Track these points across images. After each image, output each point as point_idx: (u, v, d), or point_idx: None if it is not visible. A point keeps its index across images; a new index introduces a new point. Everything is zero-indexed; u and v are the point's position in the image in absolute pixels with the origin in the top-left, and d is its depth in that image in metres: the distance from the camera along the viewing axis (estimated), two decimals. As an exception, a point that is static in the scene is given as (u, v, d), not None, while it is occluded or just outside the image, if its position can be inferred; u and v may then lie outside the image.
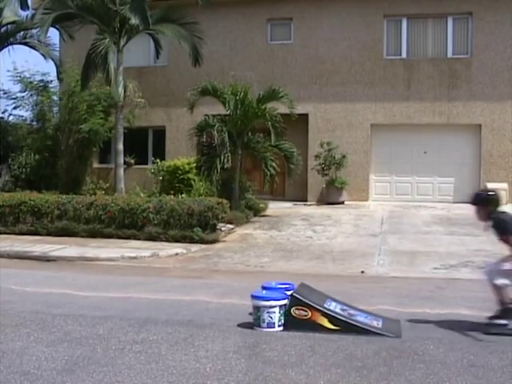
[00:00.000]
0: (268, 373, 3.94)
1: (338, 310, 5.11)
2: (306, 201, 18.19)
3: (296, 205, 17.36)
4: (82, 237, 11.85)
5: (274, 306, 5.00)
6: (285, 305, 5.07)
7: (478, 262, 9.33)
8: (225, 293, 6.84)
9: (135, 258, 10.09)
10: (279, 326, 5.01)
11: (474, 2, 17.67)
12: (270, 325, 5.00)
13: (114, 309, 5.94)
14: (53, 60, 18.31)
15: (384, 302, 6.38)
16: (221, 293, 6.89)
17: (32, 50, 18.45)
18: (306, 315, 5.01)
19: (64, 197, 12.83)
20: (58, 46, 19.07)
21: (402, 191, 18.24)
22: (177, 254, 10.46)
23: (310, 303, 5.03)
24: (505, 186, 17.13)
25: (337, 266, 9.34)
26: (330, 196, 17.44)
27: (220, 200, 12.29)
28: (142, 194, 15.27)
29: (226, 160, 14.20)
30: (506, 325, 5.07)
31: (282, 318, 5.04)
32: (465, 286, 7.75)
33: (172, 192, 14.52)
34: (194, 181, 15.60)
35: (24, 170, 18.67)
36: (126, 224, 11.93)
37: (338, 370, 3.99)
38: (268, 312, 5.00)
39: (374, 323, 5.09)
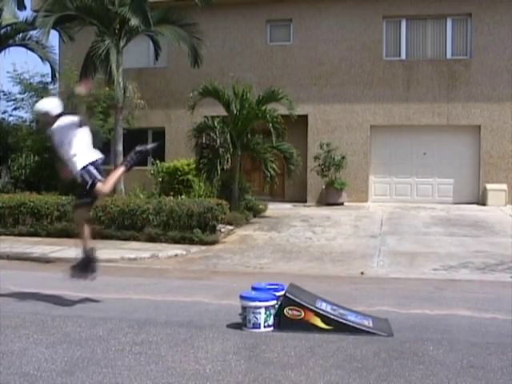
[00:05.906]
0: (268, 374, 3.94)
1: (329, 310, 5.13)
2: (306, 202, 18.20)
3: (295, 206, 17.37)
4: (82, 238, 11.83)
5: (260, 307, 5.02)
6: (273, 305, 5.09)
7: (477, 263, 9.35)
8: (224, 294, 6.83)
9: (135, 259, 10.09)
10: (265, 326, 5.03)
11: (473, 3, 17.71)
12: (256, 325, 5.03)
13: (114, 310, 5.94)
14: (49, 62, 18.30)
15: (383, 302, 6.38)
16: (220, 294, 6.88)
17: (30, 52, 18.46)
18: (299, 315, 5.02)
19: (64, 198, 12.81)
20: (55, 47, 19.11)
21: (401, 192, 18.25)
22: (176, 255, 10.46)
23: (302, 303, 5.05)
24: (504, 186, 17.17)
25: (336, 267, 9.34)
26: (330, 197, 17.46)
27: (219, 201, 12.29)
28: (141, 196, 15.26)
29: (225, 161, 14.20)
30: None
31: (269, 318, 5.06)
32: (464, 286, 7.76)
33: (171, 193, 14.51)
34: (194, 182, 15.60)
35: (24, 171, 18.65)
36: (126, 225, 11.92)
37: (338, 371, 4.00)
38: (253, 312, 5.02)
39: (365, 322, 5.11)
